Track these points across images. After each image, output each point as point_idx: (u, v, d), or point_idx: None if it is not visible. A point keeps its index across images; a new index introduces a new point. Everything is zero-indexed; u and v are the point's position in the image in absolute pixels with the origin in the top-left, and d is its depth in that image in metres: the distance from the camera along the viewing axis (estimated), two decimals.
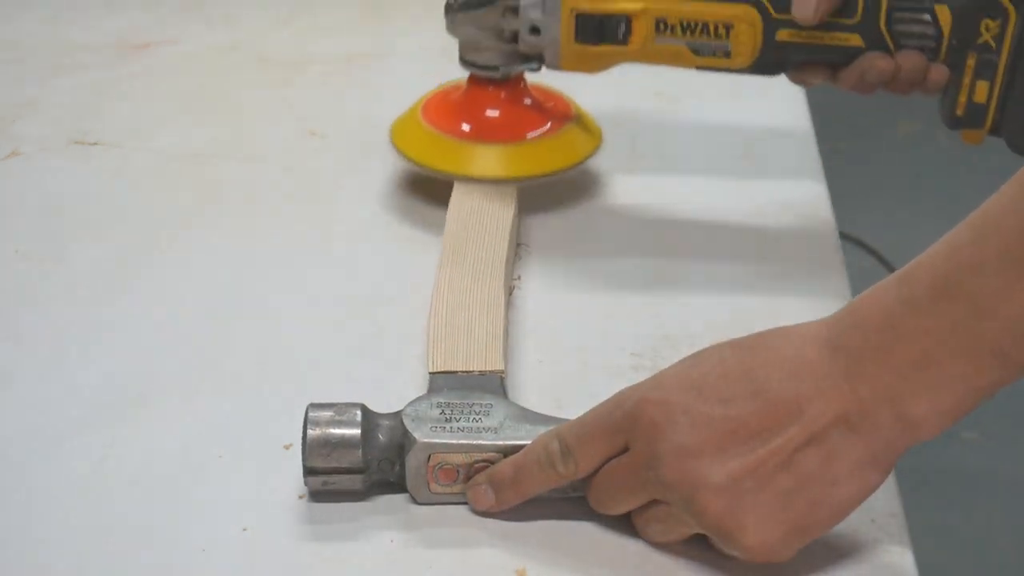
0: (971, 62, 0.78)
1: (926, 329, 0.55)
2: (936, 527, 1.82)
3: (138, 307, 0.81)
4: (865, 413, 0.56)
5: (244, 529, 0.64)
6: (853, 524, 0.63)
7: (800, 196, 0.92)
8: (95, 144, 1.00)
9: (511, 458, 0.63)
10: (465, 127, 0.86)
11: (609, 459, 0.61)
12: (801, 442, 0.57)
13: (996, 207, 0.55)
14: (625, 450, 0.60)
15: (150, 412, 0.72)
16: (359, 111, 1.04)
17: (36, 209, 0.92)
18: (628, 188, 0.93)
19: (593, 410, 0.62)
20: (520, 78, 0.87)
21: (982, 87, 0.79)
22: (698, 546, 0.61)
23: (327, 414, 0.64)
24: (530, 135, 0.87)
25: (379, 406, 0.67)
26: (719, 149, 0.99)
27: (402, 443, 0.64)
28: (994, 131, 0.80)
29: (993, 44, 0.78)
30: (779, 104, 1.04)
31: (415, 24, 1.20)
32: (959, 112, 0.80)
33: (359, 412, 0.64)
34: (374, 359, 0.75)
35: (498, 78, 0.86)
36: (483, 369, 0.68)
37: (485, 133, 0.86)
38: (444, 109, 0.88)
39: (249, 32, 1.19)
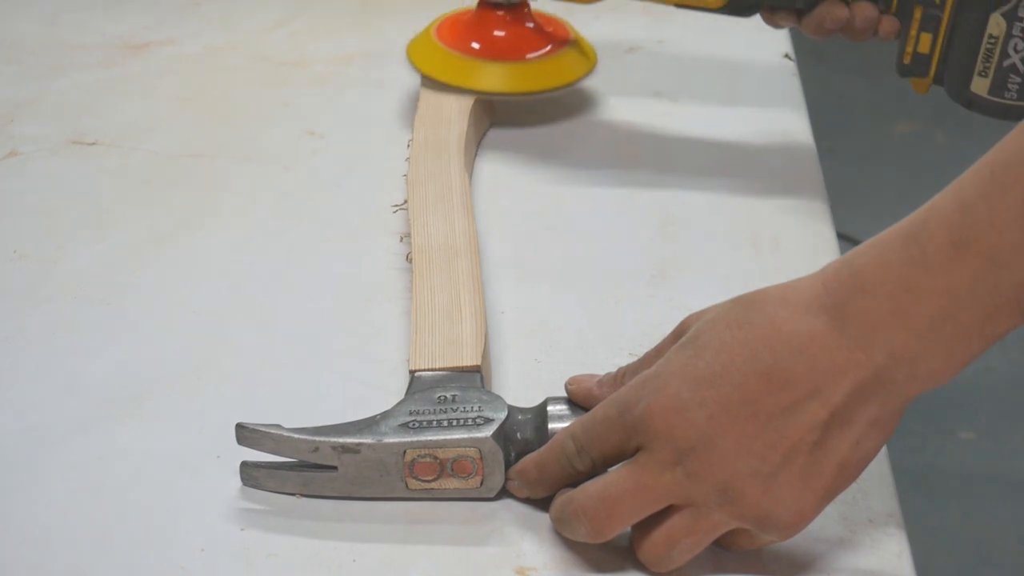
0: (917, 15, 0.84)
1: (942, 288, 0.54)
2: (934, 527, 1.82)
3: (137, 307, 0.81)
4: (881, 377, 0.56)
5: (242, 529, 0.64)
6: (852, 524, 0.63)
7: (798, 197, 0.92)
8: (94, 144, 1.00)
9: (534, 457, 0.64)
10: (475, 46, 0.96)
11: (623, 455, 0.61)
12: (823, 417, 0.57)
13: (1006, 158, 0.54)
14: (636, 450, 0.60)
15: (150, 412, 0.72)
16: (359, 111, 1.04)
17: (35, 209, 0.92)
18: (621, 195, 0.93)
19: (600, 410, 0.62)
20: (525, 3, 0.97)
21: (926, 39, 0.84)
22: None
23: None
24: (531, 56, 0.97)
25: (376, 406, 0.67)
26: (717, 150, 0.99)
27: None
28: (938, 80, 0.85)
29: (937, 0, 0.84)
30: (777, 104, 1.04)
31: (414, 24, 1.20)
32: (906, 61, 0.86)
33: None
34: (372, 358, 0.75)
35: (504, 3, 0.96)
36: (460, 366, 0.69)
37: (492, 52, 0.96)
38: (456, 30, 0.98)
39: (248, 32, 1.19)
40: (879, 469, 0.66)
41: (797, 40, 1.13)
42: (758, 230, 0.88)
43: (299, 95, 1.08)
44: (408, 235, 0.82)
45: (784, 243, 0.86)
